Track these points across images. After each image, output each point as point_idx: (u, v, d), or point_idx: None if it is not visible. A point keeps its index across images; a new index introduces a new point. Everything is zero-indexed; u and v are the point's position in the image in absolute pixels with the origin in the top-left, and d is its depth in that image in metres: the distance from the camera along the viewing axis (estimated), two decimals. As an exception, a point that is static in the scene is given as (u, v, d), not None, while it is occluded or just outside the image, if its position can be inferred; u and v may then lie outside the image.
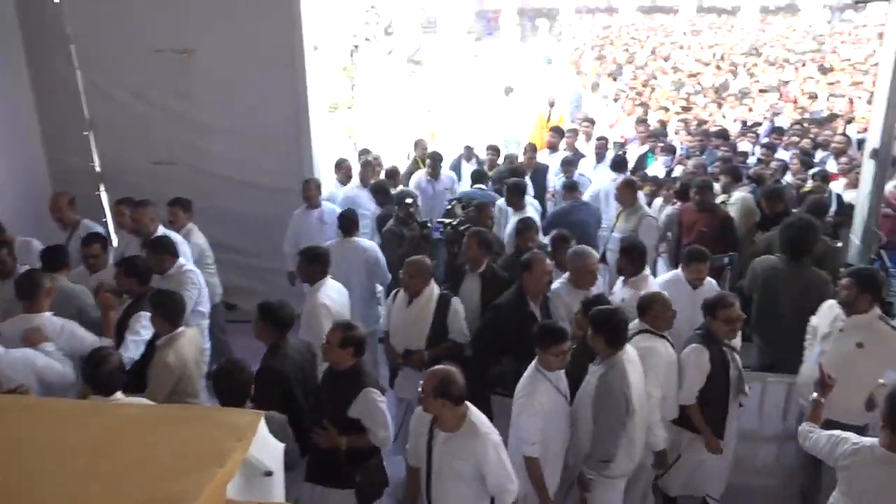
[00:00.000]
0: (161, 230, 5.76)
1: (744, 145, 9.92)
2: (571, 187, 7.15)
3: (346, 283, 5.24)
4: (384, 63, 15.48)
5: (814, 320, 4.58)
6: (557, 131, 9.52)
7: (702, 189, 6.29)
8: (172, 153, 7.31)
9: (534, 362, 3.91)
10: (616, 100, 14.35)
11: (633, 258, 5.02)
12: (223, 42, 6.88)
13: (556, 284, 4.85)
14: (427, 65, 19.41)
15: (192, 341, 4.32)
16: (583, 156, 8.89)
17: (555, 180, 8.19)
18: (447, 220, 6.03)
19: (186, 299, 4.63)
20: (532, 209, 6.67)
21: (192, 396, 4.18)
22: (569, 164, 7.93)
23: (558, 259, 5.11)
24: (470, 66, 22.37)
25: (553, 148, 8.70)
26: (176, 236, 5.68)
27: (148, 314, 4.33)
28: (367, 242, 6.08)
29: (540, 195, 7.82)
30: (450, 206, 6.49)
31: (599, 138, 9.21)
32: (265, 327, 4.14)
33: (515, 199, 6.53)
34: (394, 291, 4.99)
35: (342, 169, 7.80)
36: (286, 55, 6.92)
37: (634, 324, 4.19)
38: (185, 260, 5.44)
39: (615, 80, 17.03)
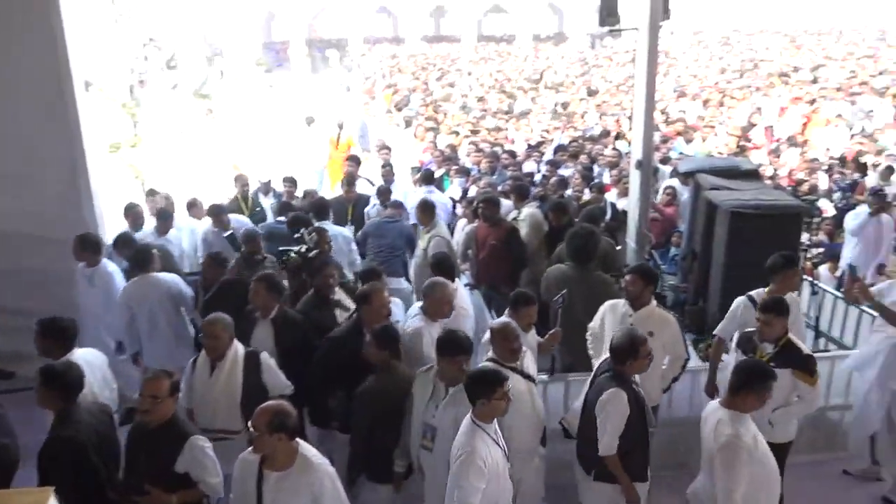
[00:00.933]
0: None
1: (529, 165, 10.66)
2: (395, 205, 7.49)
3: (150, 323, 4.93)
4: (169, 98, 14.76)
5: (594, 324, 4.95)
6: (354, 160, 9.61)
7: (486, 203, 6.62)
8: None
9: (468, 416, 3.57)
10: (408, 125, 14.78)
11: (441, 273, 5.16)
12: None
13: (415, 323, 4.68)
14: (216, 98, 18.78)
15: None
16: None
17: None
18: (294, 248, 5.77)
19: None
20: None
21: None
22: (385, 193, 8.04)
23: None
24: (263, 98, 21.99)
25: (351, 177, 8.76)
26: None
27: None
28: (168, 275, 5.74)
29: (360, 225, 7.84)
30: (299, 234, 6.24)
31: (384, 165, 9.35)
32: (50, 394, 3.73)
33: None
34: (191, 360, 4.51)
35: (131, 215, 7.27)
36: (53, 92, 6.37)
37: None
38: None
39: (401, 109, 17.51)
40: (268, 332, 4.78)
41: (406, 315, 5.03)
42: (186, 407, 4.30)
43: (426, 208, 6.83)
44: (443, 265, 5.37)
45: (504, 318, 4.46)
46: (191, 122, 15.21)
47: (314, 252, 5.62)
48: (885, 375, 4.93)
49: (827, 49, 32.14)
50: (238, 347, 4.38)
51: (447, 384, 3.93)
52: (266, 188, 8.92)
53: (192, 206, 7.85)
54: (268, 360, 4.44)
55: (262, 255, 6.11)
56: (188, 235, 7.43)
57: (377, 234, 6.96)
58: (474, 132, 13.73)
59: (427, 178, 8.88)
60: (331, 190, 10.77)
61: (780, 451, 4.13)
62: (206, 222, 7.38)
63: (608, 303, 4.82)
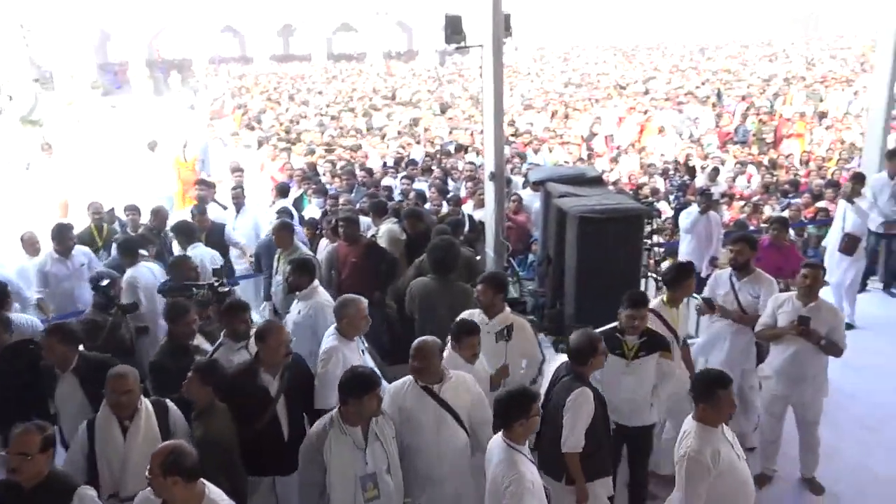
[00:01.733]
0: None
1: (387, 180, 10.71)
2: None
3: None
4: (-8, 125, 13.54)
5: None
6: (206, 184, 9.23)
7: (345, 222, 6.56)
8: None
9: (500, 438, 3.52)
10: (260, 146, 14.43)
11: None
12: None
13: (330, 342, 4.50)
14: (47, 124, 17.45)
15: None
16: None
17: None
18: (204, 283, 5.52)
19: None
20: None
21: None
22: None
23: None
24: (101, 123, 20.67)
25: (202, 203, 8.38)
26: None
27: None
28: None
29: (225, 253, 7.55)
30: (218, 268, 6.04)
31: (234, 188, 9.03)
32: None
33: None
34: (85, 423, 3.90)
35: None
36: None
37: None
38: None
39: (252, 129, 17.09)
40: (73, 385, 4.37)
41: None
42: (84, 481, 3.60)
43: (284, 230, 6.68)
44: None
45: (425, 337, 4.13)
46: (19, 150, 14.03)
47: (221, 286, 5.46)
48: (732, 358, 5.35)
49: (655, 62, 34.82)
50: (147, 402, 3.93)
51: (364, 425, 3.73)
52: (111, 217, 8.36)
53: (26, 241, 7.04)
54: (173, 407, 4.03)
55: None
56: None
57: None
58: (330, 151, 13.62)
59: (283, 191, 8.73)
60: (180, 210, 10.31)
61: (644, 434, 4.59)
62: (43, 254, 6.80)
63: (464, 313, 4.91)
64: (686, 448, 3.56)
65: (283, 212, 8.01)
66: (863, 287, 8.14)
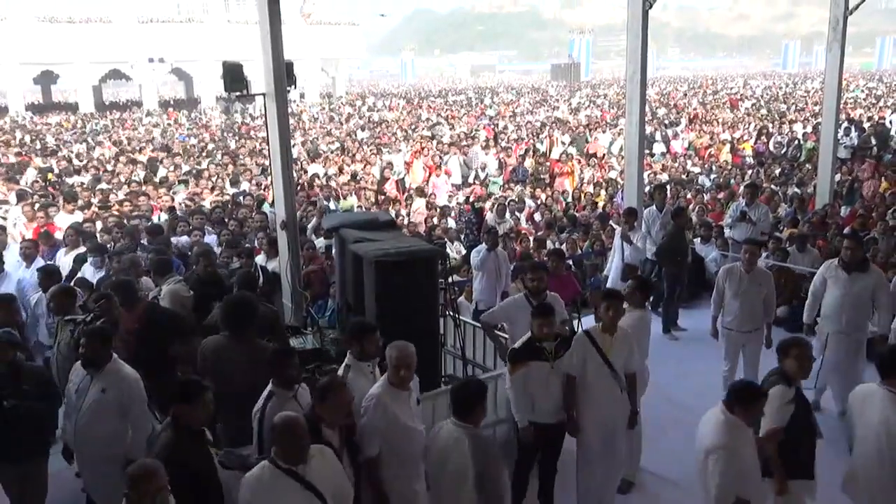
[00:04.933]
0: None
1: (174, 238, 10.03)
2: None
3: None
4: None
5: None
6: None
7: (118, 288, 5.91)
8: None
9: (719, 410, 4.02)
10: (20, 200, 12.90)
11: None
12: None
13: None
14: None
15: None
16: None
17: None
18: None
19: None
20: None
21: None
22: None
23: None
24: None
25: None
26: None
27: None
28: None
29: None
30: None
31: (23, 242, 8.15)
32: None
33: None
34: None
35: None
36: None
37: None
38: None
39: (16, 183, 15.37)
40: None
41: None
42: None
43: (65, 294, 5.99)
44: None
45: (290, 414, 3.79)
46: None
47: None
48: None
49: (438, 109, 36.61)
50: None
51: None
52: None
53: None
54: None
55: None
56: None
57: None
58: (104, 207, 12.45)
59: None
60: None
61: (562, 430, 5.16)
62: None
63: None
64: (715, 440, 3.98)
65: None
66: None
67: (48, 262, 8.02)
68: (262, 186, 14.84)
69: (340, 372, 4.66)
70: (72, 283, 7.08)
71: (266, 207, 11.85)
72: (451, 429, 4.04)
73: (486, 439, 4.24)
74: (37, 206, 11.54)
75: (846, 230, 10.37)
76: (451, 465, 3.95)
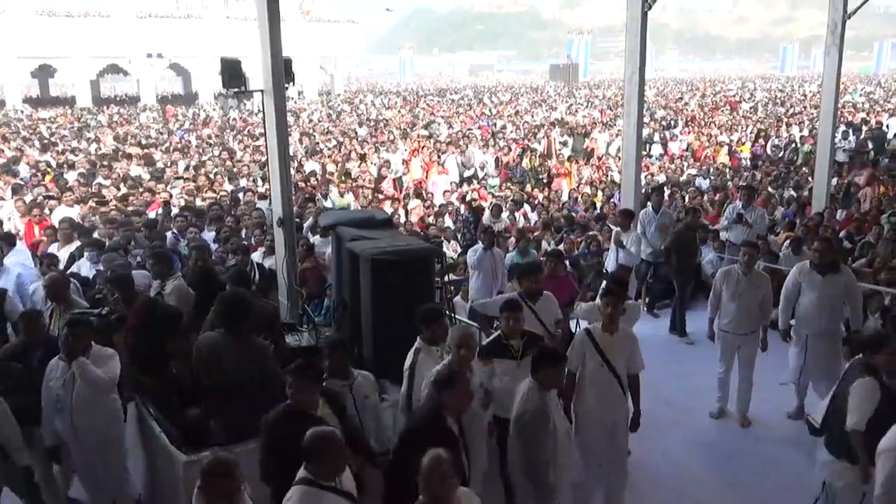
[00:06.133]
0: None
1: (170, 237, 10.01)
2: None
3: None
4: None
5: None
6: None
7: (117, 283, 6.00)
8: None
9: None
10: (15, 193, 12.85)
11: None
12: None
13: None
14: None
15: None
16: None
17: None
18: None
19: None
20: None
21: None
22: None
23: None
24: None
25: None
26: None
27: None
28: None
29: None
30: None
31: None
32: None
33: None
34: None
35: None
36: None
37: None
38: None
39: (14, 176, 15.34)
40: None
41: None
42: None
43: (62, 283, 6.02)
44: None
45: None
46: None
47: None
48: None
49: (435, 108, 36.57)
50: None
51: None
52: None
53: None
54: None
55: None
56: None
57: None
58: (101, 204, 12.40)
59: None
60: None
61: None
62: None
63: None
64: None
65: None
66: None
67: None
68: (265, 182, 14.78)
69: (410, 355, 4.86)
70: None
71: (262, 204, 11.84)
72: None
73: None
74: (31, 200, 11.52)
75: (841, 234, 10.41)
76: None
